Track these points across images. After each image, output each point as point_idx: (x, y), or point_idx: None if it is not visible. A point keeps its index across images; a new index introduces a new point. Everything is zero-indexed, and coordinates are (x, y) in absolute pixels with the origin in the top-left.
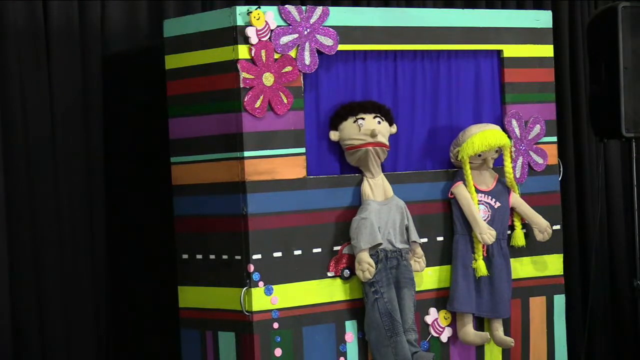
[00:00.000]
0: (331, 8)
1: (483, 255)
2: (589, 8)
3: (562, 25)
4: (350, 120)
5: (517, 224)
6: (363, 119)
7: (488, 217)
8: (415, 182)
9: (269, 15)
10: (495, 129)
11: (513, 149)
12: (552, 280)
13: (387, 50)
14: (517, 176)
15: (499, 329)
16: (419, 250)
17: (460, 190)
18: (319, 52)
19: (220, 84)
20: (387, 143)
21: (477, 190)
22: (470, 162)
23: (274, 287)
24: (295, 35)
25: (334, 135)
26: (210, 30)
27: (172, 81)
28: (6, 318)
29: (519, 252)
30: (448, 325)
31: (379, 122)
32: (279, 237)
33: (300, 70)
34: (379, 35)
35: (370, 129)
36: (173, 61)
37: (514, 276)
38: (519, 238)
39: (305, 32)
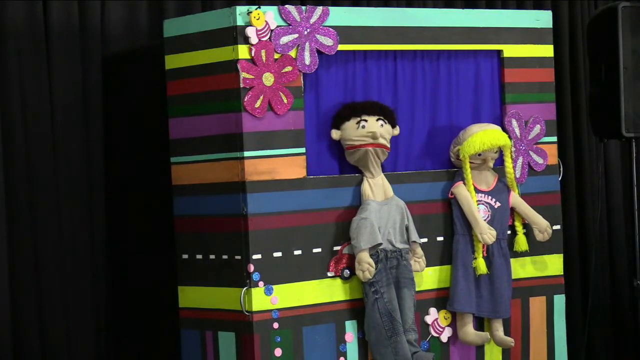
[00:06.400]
0: (331, 8)
1: (483, 254)
2: (589, 8)
3: (562, 25)
4: (353, 121)
5: (519, 229)
6: (366, 120)
7: (488, 217)
8: (415, 182)
9: (269, 15)
10: (496, 129)
11: (513, 149)
12: (552, 280)
13: (387, 50)
14: (517, 176)
15: (499, 329)
16: (419, 250)
17: (460, 190)
18: (319, 52)
19: (220, 84)
20: (389, 145)
21: (477, 190)
22: (470, 162)
23: (274, 287)
24: (295, 35)
25: (335, 134)
26: (210, 30)
27: (172, 81)
28: (6, 318)
29: (519, 252)
30: (448, 325)
31: (382, 125)
32: (279, 237)
33: (300, 70)
34: (379, 35)
35: (372, 132)
36: (173, 61)
37: (514, 276)
38: (521, 243)
39: (305, 32)
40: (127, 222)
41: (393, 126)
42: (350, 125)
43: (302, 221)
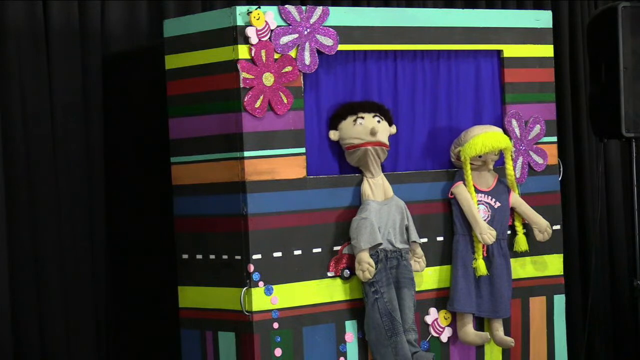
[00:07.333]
0: (331, 8)
1: (483, 255)
2: (589, 8)
3: (562, 25)
4: (350, 119)
5: (519, 229)
6: (363, 118)
7: (488, 217)
8: (415, 182)
9: (269, 15)
10: (498, 131)
11: (513, 149)
12: (552, 280)
13: (387, 50)
14: (517, 176)
15: (499, 329)
16: (419, 250)
17: (460, 190)
18: (319, 52)
19: (220, 84)
20: (387, 142)
21: (477, 190)
22: (470, 163)
23: (274, 287)
24: (295, 35)
25: (333, 135)
26: (210, 30)
27: (172, 81)
28: (6, 318)
29: (519, 252)
30: (448, 325)
31: (379, 122)
32: (279, 237)
33: (300, 70)
34: (379, 35)
35: (370, 127)
36: (173, 61)
37: (514, 276)
38: (522, 243)
39: (305, 32)
40: (127, 222)
41: (390, 124)
42: (348, 123)
43: (302, 221)
